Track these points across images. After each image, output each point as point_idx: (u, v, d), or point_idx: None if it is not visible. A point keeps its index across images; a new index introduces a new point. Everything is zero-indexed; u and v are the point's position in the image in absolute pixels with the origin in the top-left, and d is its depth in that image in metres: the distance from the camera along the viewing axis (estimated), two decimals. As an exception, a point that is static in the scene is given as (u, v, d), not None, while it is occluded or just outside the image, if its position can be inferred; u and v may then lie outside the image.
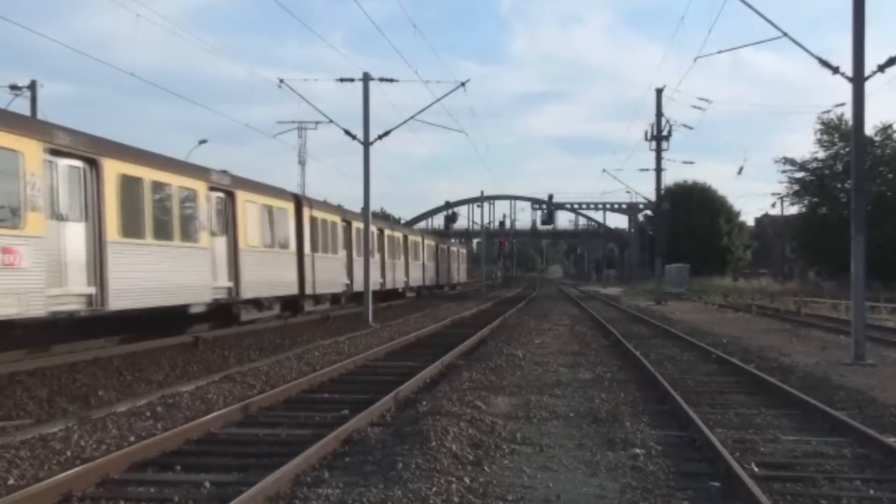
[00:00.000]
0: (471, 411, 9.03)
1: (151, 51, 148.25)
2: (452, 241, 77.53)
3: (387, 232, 37.58)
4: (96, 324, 14.66)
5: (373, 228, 32.13)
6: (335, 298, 28.67)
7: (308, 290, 24.48)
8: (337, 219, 28.68)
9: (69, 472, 6.45)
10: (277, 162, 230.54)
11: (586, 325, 24.99)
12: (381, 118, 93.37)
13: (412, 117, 27.49)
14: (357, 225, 30.07)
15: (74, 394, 10.47)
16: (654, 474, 6.78)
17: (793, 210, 62.92)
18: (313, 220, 25.49)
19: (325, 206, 28.69)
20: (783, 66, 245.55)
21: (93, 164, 13.81)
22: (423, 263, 45.27)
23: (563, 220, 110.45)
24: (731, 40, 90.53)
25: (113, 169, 14.22)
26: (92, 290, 13.58)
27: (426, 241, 47.17)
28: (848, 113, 31.18)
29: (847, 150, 47.63)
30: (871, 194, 41.39)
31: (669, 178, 68.25)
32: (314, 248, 25.34)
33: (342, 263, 29.10)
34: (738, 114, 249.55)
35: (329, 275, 26.79)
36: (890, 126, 52.39)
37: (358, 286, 28.92)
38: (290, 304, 23.81)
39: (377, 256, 33.95)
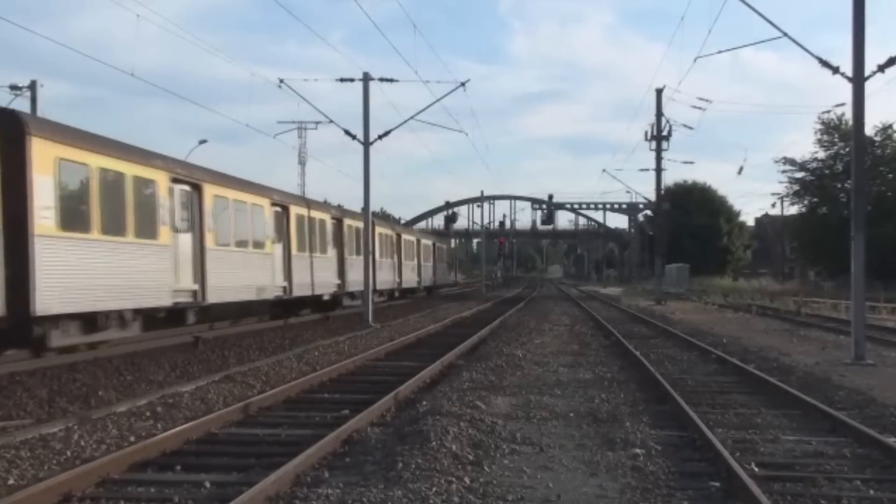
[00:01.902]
0: (471, 411, 9.03)
1: (151, 51, 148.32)
2: (452, 238, 76.30)
3: (295, 210, 24.32)
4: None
5: (241, 197, 20.80)
6: (153, 318, 16.45)
7: (45, 307, 12.67)
8: (159, 176, 16.54)
9: (69, 472, 6.45)
10: (277, 162, 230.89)
11: (586, 325, 24.99)
12: (381, 118, 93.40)
13: (412, 117, 27.48)
14: (214, 191, 18.95)
15: (74, 394, 10.47)
16: (654, 474, 6.78)
17: (793, 210, 63.06)
18: (67, 168, 13.61)
19: (124, 149, 15.76)
20: (783, 66, 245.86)
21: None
22: (376, 260, 32.94)
23: (563, 220, 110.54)
24: (731, 40, 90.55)
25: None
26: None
27: (379, 230, 34.50)
28: (848, 113, 31.22)
29: (847, 150, 47.66)
30: (871, 194, 41.48)
31: (669, 178, 68.28)
32: (70, 224, 13.56)
33: (173, 256, 17.00)
34: (738, 114, 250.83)
35: (128, 277, 15.00)
36: (890, 126, 52.54)
37: (220, 296, 18.82)
38: None
39: (272, 248, 22.48)
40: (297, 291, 24.44)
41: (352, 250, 29.66)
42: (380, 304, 32.20)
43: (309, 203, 27.41)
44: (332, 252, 28.34)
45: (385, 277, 35.96)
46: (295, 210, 24.82)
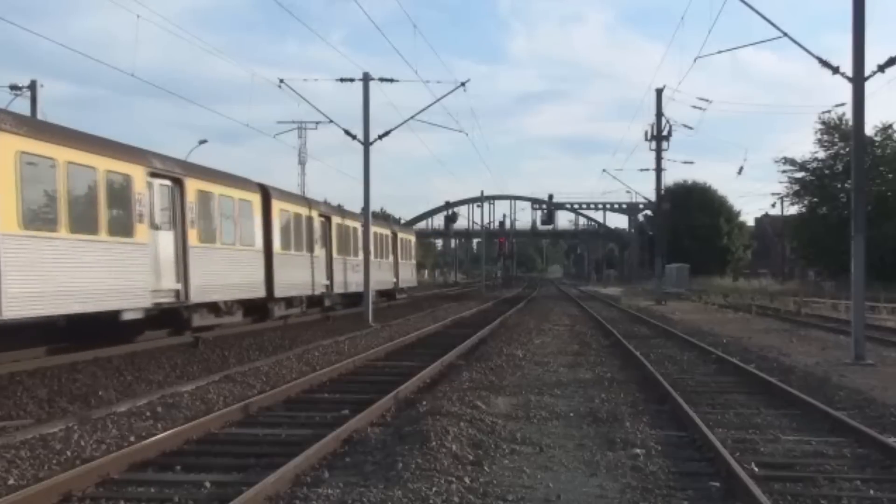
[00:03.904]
0: (471, 411, 9.03)
1: (151, 51, 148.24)
2: (452, 238, 73.79)
3: (336, 219, 26.70)
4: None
5: (301, 211, 23.90)
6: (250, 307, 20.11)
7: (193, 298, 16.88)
8: (254, 197, 21.01)
9: (69, 472, 6.46)
10: (277, 162, 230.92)
11: (586, 325, 24.98)
12: (381, 118, 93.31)
13: (412, 117, 27.44)
14: (281, 206, 22.52)
15: (74, 394, 10.47)
16: (654, 474, 6.78)
17: (793, 210, 62.88)
18: (202, 196, 17.90)
19: (234, 179, 20.14)
20: (783, 66, 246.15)
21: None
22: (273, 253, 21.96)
23: (563, 220, 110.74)
24: (731, 40, 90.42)
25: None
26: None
27: (282, 206, 22.93)
28: (848, 113, 31.14)
29: (847, 150, 47.59)
30: (871, 194, 41.37)
31: (669, 178, 67.98)
32: (206, 237, 17.83)
33: (263, 259, 21.07)
34: (738, 114, 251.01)
35: (239, 276, 19.27)
36: (890, 126, 52.38)
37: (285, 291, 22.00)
38: None
39: (319, 252, 25.61)
40: (337, 289, 27.12)
41: (237, 237, 20.17)
42: (294, 319, 23.64)
43: (344, 211, 30.57)
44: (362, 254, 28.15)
45: (294, 278, 23.59)
46: (336, 219, 28.21)
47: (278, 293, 22.05)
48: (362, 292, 28.91)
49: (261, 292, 21.07)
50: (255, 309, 21.49)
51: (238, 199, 20.07)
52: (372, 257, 29.69)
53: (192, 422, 8.57)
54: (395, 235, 38.53)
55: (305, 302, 25.09)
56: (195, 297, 17.28)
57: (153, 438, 7.75)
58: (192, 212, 17.42)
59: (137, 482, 6.54)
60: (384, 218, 64.33)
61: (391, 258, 37.22)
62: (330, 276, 27.12)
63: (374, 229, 31.13)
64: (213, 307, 18.54)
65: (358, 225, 30.47)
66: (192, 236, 17.33)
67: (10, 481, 6.50)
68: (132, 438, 8.05)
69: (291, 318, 23.26)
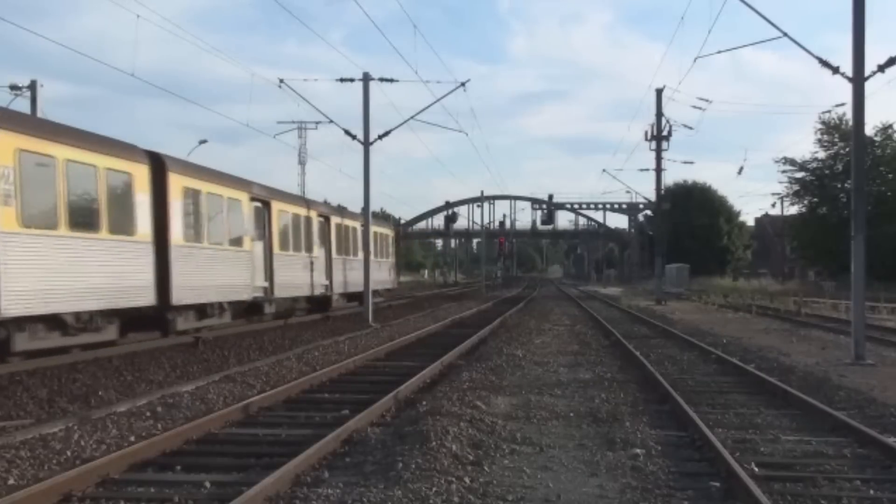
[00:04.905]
0: (471, 411, 9.02)
1: (151, 51, 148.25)
2: (452, 237, 72.34)
3: (335, 219, 28.58)
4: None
5: (296, 210, 24.26)
6: (239, 309, 19.93)
7: (176, 300, 16.19)
8: (243, 196, 20.21)
9: (69, 472, 6.45)
10: (277, 162, 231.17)
11: (586, 325, 24.98)
12: (381, 118, 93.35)
13: (412, 117, 27.43)
14: (279, 206, 22.57)
15: (74, 394, 10.48)
16: (654, 474, 6.78)
17: (793, 210, 62.92)
18: (189, 193, 17.40)
19: (218, 175, 19.47)
20: (783, 66, 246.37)
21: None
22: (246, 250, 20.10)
23: (563, 220, 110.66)
24: (731, 40, 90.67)
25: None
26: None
27: (207, 189, 18.35)
28: (848, 113, 31.15)
29: (847, 150, 47.64)
30: (871, 194, 41.43)
31: (669, 178, 68.15)
32: (190, 236, 17.39)
33: (252, 259, 20.39)
34: (738, 114, 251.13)
35: (225, 277, 18.90)
36: (890, 126, 52.46)
37: (284, 291, 22.42)
38: None
39: (318, 251, 26.14)
40: (337, 289, 27.19)
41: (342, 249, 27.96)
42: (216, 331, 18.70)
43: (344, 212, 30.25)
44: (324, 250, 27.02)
45: (208, 279, 18.17)
46: (335, 219, 28.13)
47: (179, 299, 16.55)
48: (321, 296, 27.26)
49: (148, 298, 15.57)
50: (145, 320, 16.16)
51: (105, 170, 14.33)
52: (334, 254, 28.21)
53: (192, 422, 8.57)
54: (331, 224, 30.07)
55: (230, 309, 19.54)
56: (11, 307, 11.86)
57: (153, 438, 7.75)
58: (2, 181, 11.84)
59: (137, 482, 6.54)
60: (384, 218, 64.18)
61: (360, 255, 29.33)
62: (270, 276, 21.83)
63: (337, 220, 28.87)
64: (56, 322, 13.15)
65: (314, 214, 26.34)
66: (5, 218, 11.89)
67: (10, 481, 6.50)
68: (132, 438, 8.06)
69: (204, 332, 17.76)
